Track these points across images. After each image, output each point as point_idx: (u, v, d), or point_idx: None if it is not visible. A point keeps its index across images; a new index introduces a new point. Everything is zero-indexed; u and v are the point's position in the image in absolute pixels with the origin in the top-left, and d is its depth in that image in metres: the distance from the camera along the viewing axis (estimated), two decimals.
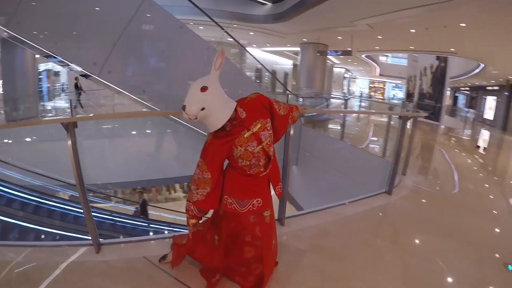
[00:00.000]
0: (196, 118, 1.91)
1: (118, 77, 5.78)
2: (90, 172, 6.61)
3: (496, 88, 24.98)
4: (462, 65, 21.54)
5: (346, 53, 16.62)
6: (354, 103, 25.07)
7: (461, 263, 3.15)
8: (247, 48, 12.18)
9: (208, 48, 6.89)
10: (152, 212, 11.65)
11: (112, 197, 13.10)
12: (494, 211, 4.77)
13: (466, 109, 28.61)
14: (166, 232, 8.94)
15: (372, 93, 42.17)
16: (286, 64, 28.20)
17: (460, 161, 8.67)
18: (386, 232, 3.75)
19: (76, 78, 13.45)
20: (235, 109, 2.05)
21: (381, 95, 41.48)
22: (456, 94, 34.04)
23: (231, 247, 2.42)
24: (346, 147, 9.01)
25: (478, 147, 13.22)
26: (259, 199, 2.26)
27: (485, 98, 27.80)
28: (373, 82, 42.87)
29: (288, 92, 14.88)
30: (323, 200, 6.48)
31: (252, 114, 2.13)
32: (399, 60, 29.44)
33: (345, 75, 39.29)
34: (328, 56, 19.48)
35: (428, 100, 21.71)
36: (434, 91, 21.45)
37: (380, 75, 32.67)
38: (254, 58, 11.80)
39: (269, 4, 14.97)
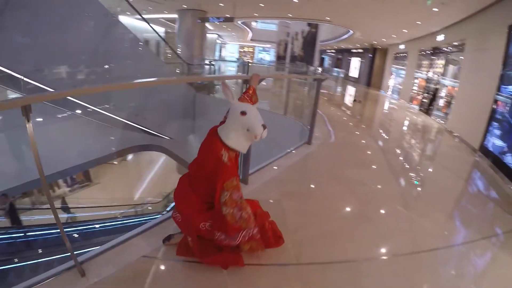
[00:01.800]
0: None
1: None
2: None
3: (360, 50, 27.59)
4: (331, 31, 23.29)
5: (228, 19, 16.16)
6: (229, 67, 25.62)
7: (382, 180, 5.06)
8: (120, 17, 11.13)
9: (106, 15, 6.28)
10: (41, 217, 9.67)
11: None
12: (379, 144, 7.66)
13: (335, 69, 31.27)
14: (97, 226, 8.19)
15: (241, 57, 43.18)
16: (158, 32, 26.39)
17: (342, 113, 11.77)
18: (323, 170, 5.07)
19: None
20: None
21: (251, 58, 42.60)
22: (323, 56, 37.01)
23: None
24: None
25: (355, 100, 15.41)
26: None
27: (350, 59, 30.64)
28: (242, 47, 43.80)
29: (184, 62, 14.23)
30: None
31: None
32: (268, 25, 30.37)
33: (217, 41, 39.28)
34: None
35: (299, 62, 23.79)
36: (305, 54, 23.88)
37: (251, 40, 33.28)
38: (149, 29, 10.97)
39: None
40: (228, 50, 44.41)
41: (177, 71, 13.42)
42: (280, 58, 25.08)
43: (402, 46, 19.80)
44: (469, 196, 5.40)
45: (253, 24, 28.97)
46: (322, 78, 6.09)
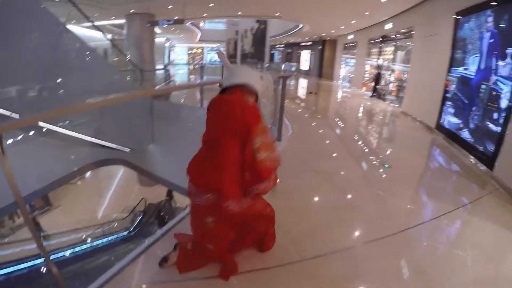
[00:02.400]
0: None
1: None
2: None
3: (309, 43, 28.20)
4: (280, 26, 23.62)
5: (178, 21, 15.90)
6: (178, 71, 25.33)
7: (355, 167, 5.48)
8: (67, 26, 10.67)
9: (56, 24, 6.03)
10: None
11: None
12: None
13: (288, 63, 31.61)
14: (68, 254, 7.68)
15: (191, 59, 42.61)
16: (103, 39, 25.61)
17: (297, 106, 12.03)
18: (297, 164, 5.22)
19: None
20: None
21: (201, 60, 42.26)
22: (272, 51, 37.29)
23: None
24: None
25: (311, 92, 15.70)
26: None
27: (300, 53, 31.21)
28: (191, 49, 43.17)
29: (138, 68, 13.85)
30: None
31: None
32: (216, 25, 30.16)
33: (165, 44, 38.61)
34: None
35: (250, 59, 23.66)
36: (256, 50, 23.61)
37: (200, 40, 32.92)
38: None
39: None
40: (176, 53, 43.59)
41: (127, 78, 12.99)
42: (230, 56, 24.97)
43: (351, 36, 20.44)
44: (435, 171, 5.89)
45: (201, 24, 28.73)
46: (287, 75, 6.20)
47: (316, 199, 4.03)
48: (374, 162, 5.83)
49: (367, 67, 17.40)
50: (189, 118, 8.25)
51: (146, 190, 11.27)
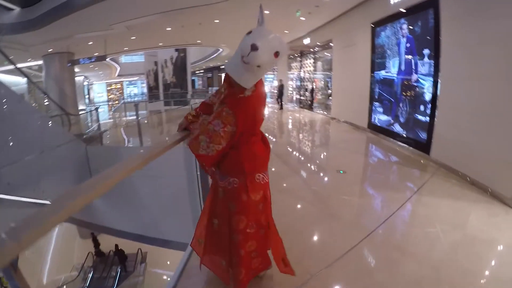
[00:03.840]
0: (259, 66, 1.75)
1: None
2: None
3: None
4: (200, 52, 24.03)
5: (100, 58, 15.67)
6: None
7: (313, 178, 5.79)
8: None
9: None
10: None
11: None
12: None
13: (210, 88, 32.00)
14: None
15: (111, 96, 41.03)
16: (18, 83, 23.77)
17: None
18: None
19: None
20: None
21: (122, 94, 40.99)
22: (192, 78, 37.53)
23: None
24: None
25: None
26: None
27: (221, 75, 31.82)
28: (110, 85, 41.76)
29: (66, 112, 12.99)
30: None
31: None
32: (134, 57, 29.57)
33: (84, 83, 36.95)
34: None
35: (173, 89, 23.60)
36: (178, 79, 23.57)
37: (119, 75, 32.19)
38: None
39: (18, 10, 11.75)
40: (95, 91, 41.83)
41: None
42: (152, 88, 24.54)
43: None
44: (382, 167, 6.55)
45: (121, 58, 28.18)
46: None
47: (296, 215, 4.13)
48: (329, 170, 6.31)
49: (291, 81, 18.40)
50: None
51: (89, 243, 10.34)
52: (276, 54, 1.78)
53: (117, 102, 33.38)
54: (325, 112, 13.55)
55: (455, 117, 5.35)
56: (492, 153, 4.49)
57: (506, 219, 3.74)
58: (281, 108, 16.58)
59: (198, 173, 3.59)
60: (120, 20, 11.17)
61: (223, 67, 30.43)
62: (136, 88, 40.39)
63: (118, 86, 41.75)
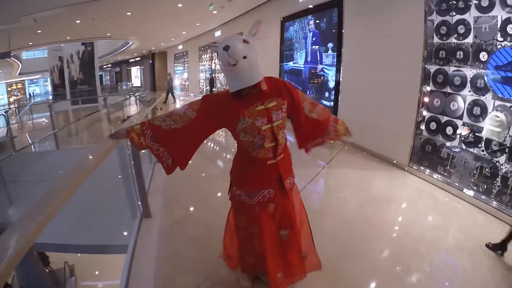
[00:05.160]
0: (235, 64, 1.73)
1: None
2: None
3: (138, 59, 28.35)
4: (108, 46, 23.09)
5: (4, 55, 14.58)
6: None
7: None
8: None
9: None
10: None
11: None
12: None
13: (121, 83, 31.00)
14: None
15: (12, 98, 37.12)
16: None
17: None
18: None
19: None
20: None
21: (24, 95, 37.60)
22: (100, 73, 35.89)
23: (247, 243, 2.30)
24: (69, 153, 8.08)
25: (157, 109, 15.95)
26: (271, 189, 2.05)
27: (130, 69, 31.02)
28: (11, 85, 38.06)
29: None
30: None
31: (272, 91, 1.94)
32: (36, 53, 27.31)
33: None
34: None
35: (80, 86, 22.15)
36: (85, 75, 22.25)
37: (20, 74, 29.42)
38: None
39: None
40: None
41: None
42: (57, 86, 22.15)
43: (180, 47, 21.53)
44: (291, 149, 7.35)
45: (22, 55, 25.96)
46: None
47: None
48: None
49: (202, 74, 18.88)
50: (48, 164, 7.31)
51: None
52: (245, 41, 1.78)
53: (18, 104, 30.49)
54: None
55: (354, 100, 6.42)
56: (385, 128, 5.58)
57: (404, 181, 4.77)
58: (165, 102, 16.79)
59: (133, 170, 3.64)
60: (29, 12, 10.66)
61: (131, 60, 29.96)
62: (38, 88, 37.40)
63: (20, 86, 38.12)
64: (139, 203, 3.73)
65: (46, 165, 6.91)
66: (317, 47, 7.73)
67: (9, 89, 36.62)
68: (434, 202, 4.12)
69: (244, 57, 1.74)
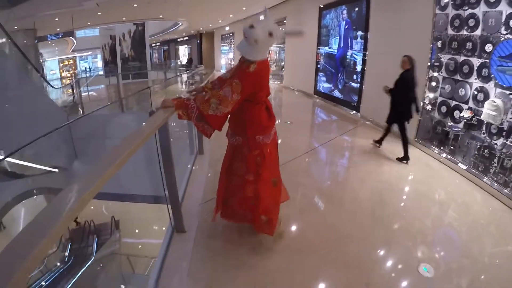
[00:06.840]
0: (256, 41, 2.26)
1: None
2: None
3: (186, 38, 29.23)
4: (158, 26, 23.86)
5: (68, 34, 15.74)
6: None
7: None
8: None
9: None
10: None
11: None
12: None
13: (172, 60, 31.79)
14: None
15: (64, 73, 38.66)
16: None
17: None
18: None
19: None
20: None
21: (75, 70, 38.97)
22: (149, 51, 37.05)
23: (231, 182, 2.80)
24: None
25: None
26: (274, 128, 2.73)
27: (178, 48, 31.96)
28: (63, 61, 39.57)
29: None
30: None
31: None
32: (89, 31, 27.99)
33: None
34: None
35: (132, 62, 23.42)
36: (136, 53, 23.44)
37: (73, 51, 30.40)
38: None
39: None
40: (48, 68, 39.24)
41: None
42: (107, 63, 23.55)
43: (227, 28, 22.26)
44: (321, 121, 8.70)
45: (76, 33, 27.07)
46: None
47: None
48: (278, 121, 7.60)
49: None
50: (108, 125, 8.13)
51: None
52: (270, 34, 2.30)
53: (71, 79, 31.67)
54: (277, 82, 15.58)
55: (376, 83, 7.14)
56: None
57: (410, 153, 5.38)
58: None
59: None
60: None
61: (180, 39, 30.75)
62: (86, 63, 38.34)
63: (71, 62, 39.31)
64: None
65: (109, 126, 7.98)
66: (348, 34, 8.43)
67: (60, 65, 37.67)
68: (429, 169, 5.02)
69: (256, 40, 2.28)
